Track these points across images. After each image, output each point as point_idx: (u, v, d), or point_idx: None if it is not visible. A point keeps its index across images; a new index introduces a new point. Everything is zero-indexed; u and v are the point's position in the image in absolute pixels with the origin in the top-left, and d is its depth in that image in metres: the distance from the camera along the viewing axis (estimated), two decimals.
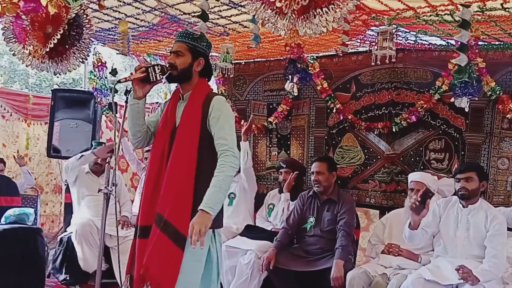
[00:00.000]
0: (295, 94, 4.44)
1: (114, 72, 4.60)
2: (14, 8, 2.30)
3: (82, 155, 4.11)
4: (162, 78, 2.25)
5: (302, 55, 3.92)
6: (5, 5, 2.28)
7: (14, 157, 5.45)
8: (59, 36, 2.50)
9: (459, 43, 2.75)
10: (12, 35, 2.72)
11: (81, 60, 2.68)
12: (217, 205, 2.13)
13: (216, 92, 4.58)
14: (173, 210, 2.19)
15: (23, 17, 2.44)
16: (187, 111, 2.28)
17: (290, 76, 4.02)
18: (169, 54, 2.39)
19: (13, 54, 2.81)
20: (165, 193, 2.22)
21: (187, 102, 2.31)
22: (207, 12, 2.86)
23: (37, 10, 2.31)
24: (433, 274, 2.83)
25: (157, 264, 2.18)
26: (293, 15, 1.86)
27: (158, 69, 2.20)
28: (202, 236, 2.05)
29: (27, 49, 2.67)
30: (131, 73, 2.26)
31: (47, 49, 2.50)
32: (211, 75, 2.47)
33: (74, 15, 2.51)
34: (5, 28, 2.73)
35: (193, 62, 2.30)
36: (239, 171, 4.22)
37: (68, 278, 4.02)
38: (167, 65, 2.28)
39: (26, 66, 2.75)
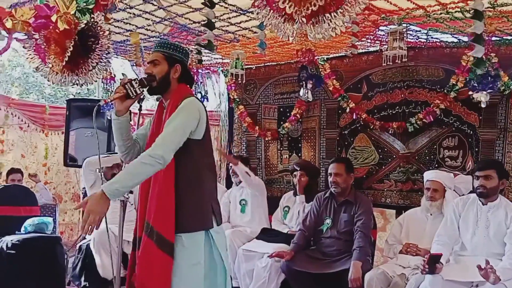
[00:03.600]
0: (310, 100, 4.42)
1: None
2: (25, 25, 2.35)
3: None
4: (143, 91, 2.27)
5: (313, 60, 3.92)
6: (16, 22, 2.33)
7: (28, 175, 5.54)
8: (71, 48, 2.54)
9: (473, 36, 2.69)
10: (34, 52, 2.76)
11: (103, 69, 2.71)
12: (115, 185, 2.02)
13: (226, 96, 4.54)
14: (156, 216, 2.20)
15: (35, 35, 2.48)
16: (166, 118, 2.29)
17: (304, 83, 4.01)
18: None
19: (37, 71, 2.85)
20: (150, 201, 2.25)
21: (166, 109, 2.33)
22: (214, 21, 2.87)
23: (47, 26, 2.35)
24: (452, 273, 2.80)
25: (146, 271, 2.20)
26: (302, 20, 1.87)
27: (136, 83, 2.22)
28: (92, 222, 1.95)
29: (48, 66, 2.71)
30: (109, 97, 2.28)
31: (63, 63, 2.54)
32: (191, 81, 2.48)
33: (83, 25, 2.55)
34: (27, 46, 2.78)
35: (169, 69, 2.32)
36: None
37: (87, 285, 4.07)
38: (146, 77, 2.29)
39: (53, 83, 2.79)
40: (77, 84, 2.80)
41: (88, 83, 2.82)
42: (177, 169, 2.23)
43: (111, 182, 2.03)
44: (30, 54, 2.75)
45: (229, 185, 4.92)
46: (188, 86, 2.43)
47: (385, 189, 4.27)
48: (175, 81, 2.35)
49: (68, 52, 2.51)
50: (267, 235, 4.10)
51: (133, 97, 2.25)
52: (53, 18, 2.33)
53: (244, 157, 4.74)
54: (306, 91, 4.13)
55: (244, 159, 4.60)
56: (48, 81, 2.83)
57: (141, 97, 2.36)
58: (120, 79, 2.32)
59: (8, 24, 2.35)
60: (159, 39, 3.78)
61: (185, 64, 2.41)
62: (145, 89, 2.27)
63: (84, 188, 4.58)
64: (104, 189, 1.99)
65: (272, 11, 1.97)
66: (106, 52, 2.74)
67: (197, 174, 2.29)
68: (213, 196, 2.39)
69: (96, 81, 2.84)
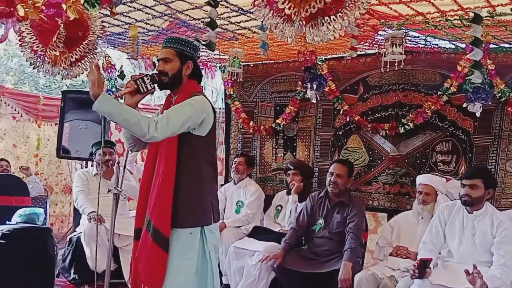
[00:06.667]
0: (314, 101, 4.34)
1: (121, 75, 4.65)
2: (37, 12, 2.30)
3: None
4: (154, 87, 2.28)
5: (316, 62, 3.90)
6: (28, 9, 2.28)
7: (20, 168, 5.51)
8: (84, 47, 2.53)
9: (472, 61, 2.72)
10: (34, 40, 2.71)
11: (87, 66, 2.70)
12: (109, 102, 2.06)
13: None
14: (154, 211, 2.24)
15: (59, 21, 2.44)
16: None
17: (309, 84, 3.99)
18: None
19: (26, 60, 2.81)
20: (151, 195, 2.28)
21: (173, 104, 2.35)
22: (216, 19, 2.86)
23: (59, 14, 2.32)
24: (440, 277, 2.83)
25: (143, 264, 2.25)
26: (301, 22, 1.87)
27: (148, 79, 2.23)
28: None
29: (46, 55, 2.67)
30: (119, 91, 2.29)
31: (72, 59, 2.53)
32: (200, 77, 2.49)
33: (96, 30, 2.55)
34: (20, 31, 2.74)
35: (182, 66, 2.33)
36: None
37: (77, 277, 4.07)
38: (157, 73, 2.30)
39: (45, 74, 2.76)
40: (62, 77, 2.78)
41: (71, 78, 2.80)
42: (178, 163, 2.25)
43: (110, 98, 2.06)
44: (24, 43, 2.70)
45: (226, 181, 4.92)
46: (196, 82, 2.43)
47: (373, 192, 4.28)
48: (186, 78, 2.36)
49: (81, 50, 2.50)
50: (259, 233, 4.11)
51: (143, 92, 2.25)
52: (63, 7, 2.30)
53: (250, 156, 4.72)
54: (314, 93, 4.10)
55: (250, 159, 4.59)
56: (39, 71, 2.80)
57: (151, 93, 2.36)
58: (132, 76, 2.31)
59: (21, 12, 2.30)
60: (158, 33, 3.77)
61: (196, 61, 2.42)
62: (156, 85, 2.28)
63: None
64: (101, 95, 2.02)
65: (271, 11, 1.97)
66: (94, 47, 2.72)
67: (199, 169, 2.31)
68: (213, 192, 2.41)
69: (77, 76, 2.82)
